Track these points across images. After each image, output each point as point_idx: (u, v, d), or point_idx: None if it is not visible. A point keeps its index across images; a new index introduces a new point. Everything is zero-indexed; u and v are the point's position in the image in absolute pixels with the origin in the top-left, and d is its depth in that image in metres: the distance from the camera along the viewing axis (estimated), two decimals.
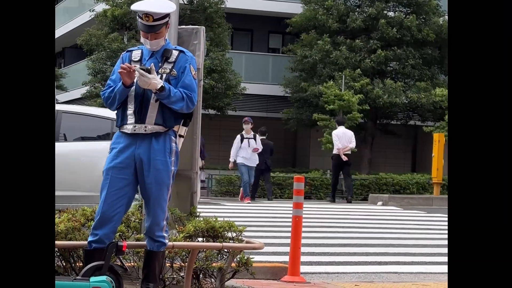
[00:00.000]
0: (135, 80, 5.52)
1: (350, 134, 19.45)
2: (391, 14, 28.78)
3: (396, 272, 8.72)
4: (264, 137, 19.95)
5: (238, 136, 19.13)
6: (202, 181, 21.31)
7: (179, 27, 6.90)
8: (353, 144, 19.29)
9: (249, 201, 18.80)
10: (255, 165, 19.16)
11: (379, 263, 9.23)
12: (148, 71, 5.45)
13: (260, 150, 19.23)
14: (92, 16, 27.33)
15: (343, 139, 19.30)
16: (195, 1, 26.49)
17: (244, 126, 19.04)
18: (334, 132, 19.84)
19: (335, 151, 19.64)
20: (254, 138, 19.12)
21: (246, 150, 18.89)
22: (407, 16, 28.51)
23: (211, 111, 27.50)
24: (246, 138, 19.00)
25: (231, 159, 19.08)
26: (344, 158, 19.46)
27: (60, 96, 32.96)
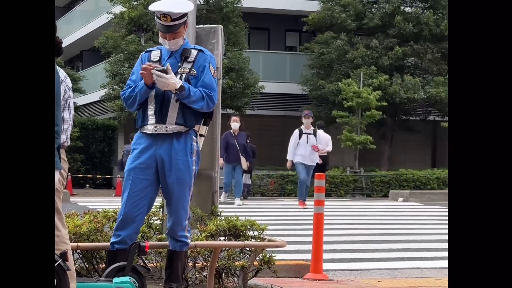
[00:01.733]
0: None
1: (328, 138, 19.88)
2: (407, 9, 28.68)
3: (419, 268, 8.69)
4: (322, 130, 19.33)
5: (296, 131, 17.01)
6: (247, 185, 18.98)
7: (197, 26, 6.90)
8: (329, 148, 19.61)
9: (305, 206, 16.58)
10: (315, 164, 17.20)
11: (402, 259, 9.20)
12: (165, 72, 5.44)
13: (321, 148, 17.49)
14: (109, 19, 27.41)
15: (321, 142, 19.56)
16: (211, 1, 26.52)
17: (304, 121, 17.04)
18: None
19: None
20: (314, 133, 17.16)
21: (304, 147, 16.84)
22: (424, 11, 28.40)
23: (229, 111, 27.52)
24: (305, 133, 16.90)
25: (289, 157, 17.04)
26: (319, 161, 18.42)
27: (78, 99, 33.09)
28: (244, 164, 17.60)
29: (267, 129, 32.37)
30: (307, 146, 16.82)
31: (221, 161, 17.40)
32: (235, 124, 17.56)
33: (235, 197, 17.66)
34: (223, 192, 17.94)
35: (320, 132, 20.07)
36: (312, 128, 17.15)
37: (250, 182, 18.69)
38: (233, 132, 17.58)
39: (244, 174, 17.82)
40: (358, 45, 28.03)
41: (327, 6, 28.94)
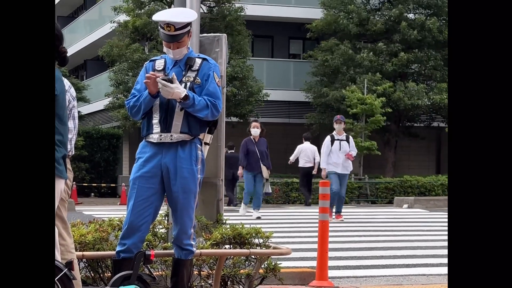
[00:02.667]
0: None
1: (314, 148, 21.06)
2: (411, 16, 28.71)
3: (424, 274, 8.68)
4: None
5: (328, 138, 15.73)
6: (267, 194, 17.24)
7: (201, 35, 6.92)
8: (317, 159, 20.25)
9: (341, 219, 15.46)
10: (349, 173, 16.00)
11: (407, 266, 9.19)
12: (170, 81, 5.46)
13: (354, 155, 15.95)
14: (113, 28, 27.47)
15: (306, 153, 21.09)
16: (214, 9, 26.57)
17: (336, 126, 15.69)
18: (298, 146, 21.26)
19: (301, 164, 21.23)
20: (347, 139, 15.83)
21: (337, 155, 15.52)
22: (428, 18, 28.42)
23: (234, 119, 27.54)
24: (338, 139, 15.60)
25: (322, 166, 15.67)
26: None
27: (83, 108, 33.15)
28: (265, 173, 16.42)
29: (271, 136, 32.36)
30: (340, 153, 15.50)
31: (240, 170, 16.90)
32: (255, 130, 16.32)
33: (253, 208, 16.34)
34: (243, 204, 17.05)
35: (307, 144, 21.43)
36: (345, 134, 15.88)
37: (270, 191, 17.01)
38: (254, 139, 16.39)
39: (265, 182, 16.56)
40: (363, 50, 28.05)
41: (331, 13, 28.97)
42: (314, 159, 20.86)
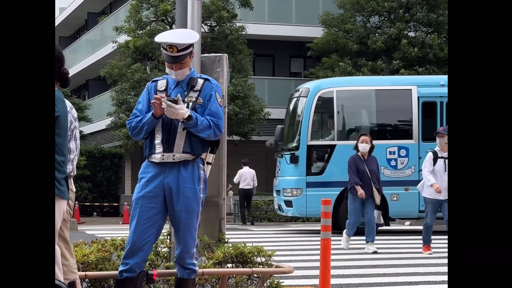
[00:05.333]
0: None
1: (253, 172, 23.55)
2: (411, 34, 28.79)
3: None
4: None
5: (430, 155, 12.40)
6: (379, 225, 13.50)
7: (202, 55, 6.96)
8: (255, 183, 23.46)
9: (430, 251, 12.51)
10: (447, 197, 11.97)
11: (410, 283, 9.19)
12: (175, 102, 5.50)
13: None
14: (115, 48, 27.57)
15: (245, 176, 23.38)
16: (216, 29, 26.66)
17: (439, 141, 12.33)
18: (239, 171, 23.70)
19: (241, 186, 23.43)
20: None
21: (440, 176, 12.19)
22: (428, 36, 28.50)
23: (236, 137, 27.57)
24: (441, 157, 12.27)
25: (429, 183, 12.17)
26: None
27: (85, 128, 33.21)
28: (378, 197, 13.14)
29: (272, 154, 32.38)
30: (444, 175, 12.11)
31: (360, 189, 13.05)
32: (364, 146, 13.26)
33: (366, 241, 13.06)
34: (345, 235, 13.51)
35: (246, 168, 23.55)
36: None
37: (383, 221, 13.56)
38: (362, 156, 13.30)
39: (376, 210, 13.25)
40: (363, 68, 28.11)
41: (331, 32, 29.06)
42: (253, 181, 23.52)
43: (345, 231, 13.47)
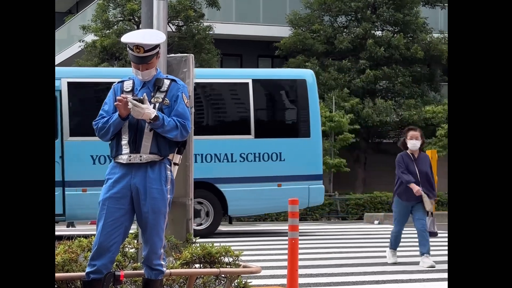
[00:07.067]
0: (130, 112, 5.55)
1: None
2: (378, 33, 28.94)
3: None
4: None
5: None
6: (432, 234, 10.82)
7: (168, 55, 6.96)
8: None
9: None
10: None
11: (377, 282, 9.24)
12: (141, 102, 5.49)
13: None
14: (82, 47, 27.41)
15: None
16: (183, 28, 26.61)
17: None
18: None
19: None
20: None
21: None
22: (395, 35, 28.68)
23: None
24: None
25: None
26: None
27: None
28: (428, 204, 10.97)
29: None
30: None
31: (416, 186, 10.93)
32: (413, 143, 11.15)
33: (421, 253, 10.88)
34: (389, 250, 11.24)
35: None
36: None
37: (436, 229, 11.05)
38: (412, 154, 11.23)
39: (428, 217, 10.97)
40: (330, 68, 28.22)
41: (298, 31, 29.14)
42: None
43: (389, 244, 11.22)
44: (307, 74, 16.70)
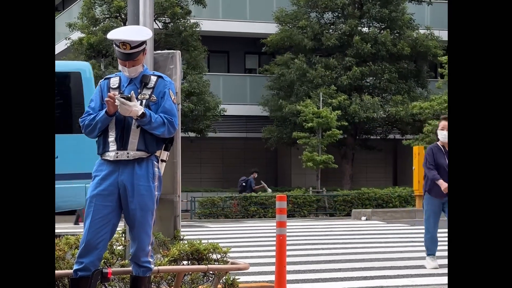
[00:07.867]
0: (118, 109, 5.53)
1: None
2: (365, 30, 28.98)
3: (381, 286, 8.75)
4: None
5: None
6: None
7: (155, 52, 6.94)
8: None
9: None
10: None
11: (365, 278, 9.26)
12: (129, 99, 5.47)
13: None
14: (68, 45, 27.34)
15: None
16: (170, 25, 26.57)
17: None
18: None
19: None
20: None
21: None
22: (381, 32, 28.72)
23: (191, 134, 27.52)
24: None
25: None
26: None
27: None
28: None
29: (229, 151, 32.42)
30: None
31: (443, 183, 9.55)
32: (444, 134, 9.83)
33: (427, 254, 10.00)
34: (428, 257, 9.96)
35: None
36: None
37: None
38: (442, 146, 9.89)
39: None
40: (317, 65, 28.25)
41: (285, 28, 29.14)
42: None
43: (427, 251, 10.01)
44: (82, 67, 15.51)
